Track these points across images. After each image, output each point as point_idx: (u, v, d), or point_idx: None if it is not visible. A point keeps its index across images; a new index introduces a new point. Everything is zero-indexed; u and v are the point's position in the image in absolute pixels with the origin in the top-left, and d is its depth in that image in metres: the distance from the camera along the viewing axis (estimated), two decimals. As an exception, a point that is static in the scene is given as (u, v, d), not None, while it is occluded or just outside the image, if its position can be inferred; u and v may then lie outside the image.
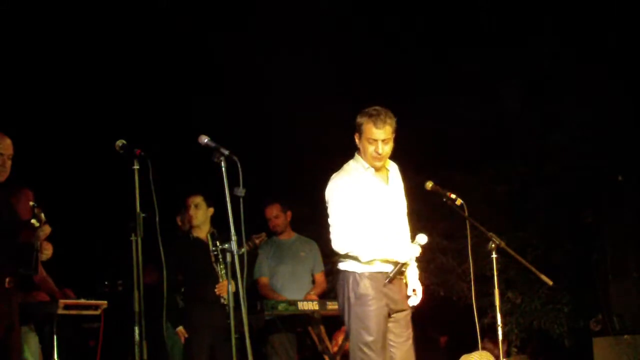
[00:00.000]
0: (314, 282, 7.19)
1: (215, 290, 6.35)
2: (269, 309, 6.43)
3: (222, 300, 6.28)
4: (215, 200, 6.40)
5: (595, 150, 8.27)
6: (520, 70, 8.77)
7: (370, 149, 4.81)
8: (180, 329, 6.45)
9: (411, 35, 8.98)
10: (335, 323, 6.85)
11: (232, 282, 4.71)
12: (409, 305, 4.93)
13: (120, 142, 4.72)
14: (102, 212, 7.76)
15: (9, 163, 5.00)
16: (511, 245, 5.21)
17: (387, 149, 4.83)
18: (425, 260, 8.31)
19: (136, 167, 4.70)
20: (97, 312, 5.59)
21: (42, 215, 4.94)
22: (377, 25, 8.93)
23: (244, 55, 8.61)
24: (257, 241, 6.45)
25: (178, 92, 8.67)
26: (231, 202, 4.40)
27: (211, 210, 6.56)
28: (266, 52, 8.69)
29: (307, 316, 6.66)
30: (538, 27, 8.74)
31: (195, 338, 6.38)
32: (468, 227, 5.15)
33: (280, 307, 6.50)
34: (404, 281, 4.95)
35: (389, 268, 4.81)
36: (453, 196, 5.08)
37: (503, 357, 5.08)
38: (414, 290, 4.94)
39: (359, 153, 4.90)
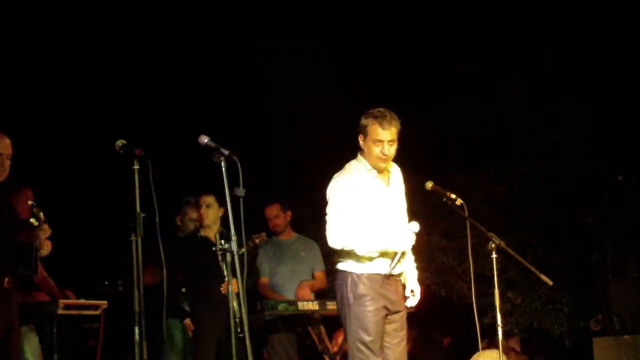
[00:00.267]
0: (314, 282, 7.21)
1: (221, 289, 6.35)
2: (269, 309, 6.43)
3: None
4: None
5: (595, 150, 8.28)
6: (520, 70, 8.76)
7: (376, 150, 4.81)
8: (187, 321, 6.49)
9: (411, 35, 8.98)
10: (335, 323, 6.84)
11: (235, 282, 4.71)
12: (405, 307, 4.93)
13: (120, 142, 4.72)
14: (102, 212, 7.74)
15: (8, 163, 4.99)
16: (511, 245, 5.20)
17: (393, 150, 4.83)
18: (426, 260, 8.35)
19: (136, 167, 4.70)
20: (97, 312, 5.60)
21: (41, 214, 4.94)
22: (377, 25, 8.92)
23: (244, 55, 8.60)
24: (257, 241, 6.44)
25: (178, 92, 8.66)
26: (231, 202, 4.40)
27: (222, 210, 6.55)
28: (266, 52, 8.68)
29: (307, 316, 6.66)
30: (538, 27, 8.74)
31: (201, 336, 6.38)
32: (468, 227, 5.15)
33: (280, 307, 6.49)
34: (402, 282, 4.96)
35: (386, 269, 4.81)
36: (453, 196, 5.08)
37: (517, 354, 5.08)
38: (412, 291, 4.95)
39: (362, 154, 4.90)
